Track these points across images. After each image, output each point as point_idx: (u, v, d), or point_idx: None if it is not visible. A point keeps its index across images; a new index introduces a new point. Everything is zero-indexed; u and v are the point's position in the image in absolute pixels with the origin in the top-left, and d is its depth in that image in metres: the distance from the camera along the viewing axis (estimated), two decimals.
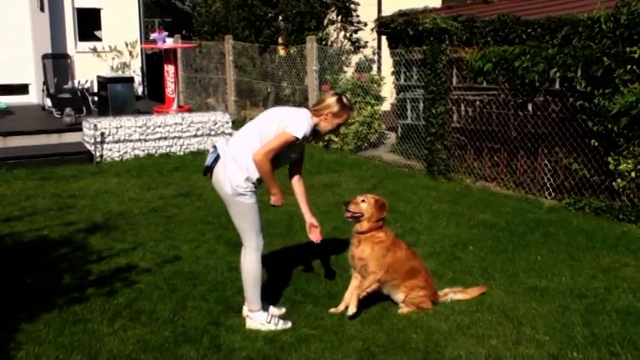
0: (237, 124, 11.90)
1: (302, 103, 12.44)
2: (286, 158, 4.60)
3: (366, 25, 13.37)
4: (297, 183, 4.80)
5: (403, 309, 4.82)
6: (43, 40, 14.66)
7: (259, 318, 4.55)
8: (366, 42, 13.55)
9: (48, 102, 13.31)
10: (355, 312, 4.65)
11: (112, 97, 12.61)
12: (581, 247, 6.23)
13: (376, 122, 11.21)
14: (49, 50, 14.44)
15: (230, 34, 14.81)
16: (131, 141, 10.51)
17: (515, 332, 4.48)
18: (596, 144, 7.37)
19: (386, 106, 11.58)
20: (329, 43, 13.53)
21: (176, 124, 10.89)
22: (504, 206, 7.68)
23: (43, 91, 13.70)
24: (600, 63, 7.11)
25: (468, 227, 6.88)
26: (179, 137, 10.92)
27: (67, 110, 11.80)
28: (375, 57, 12.27)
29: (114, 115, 11.34)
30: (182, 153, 10.92)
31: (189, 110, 13.70)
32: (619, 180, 7.16)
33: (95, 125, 10.23)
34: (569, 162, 7.70)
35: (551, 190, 8.00)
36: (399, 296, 4.86)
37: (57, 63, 14.05)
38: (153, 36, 13.77)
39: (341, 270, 5.55)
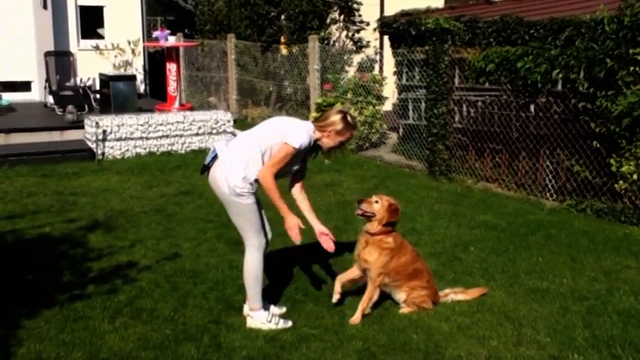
0: (239, 122, 11.93)
1: (304, 102, 12.45)
2: (286, 170, 4.55)
3: (368, 24, 13.39)
4: (298, 192, 4.72)
5: (404, 309, 4.83)
6: (46, 38, 14.68)
7: (260, 317, 4.55)
8: (369, 41, 13.55)
9: (50, 99, 13.33)
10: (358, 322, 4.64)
11: (114, 95, 12.63)
12: (583, 249, 6.23)
13: (378, 122, 11.21)
14: (51, 48, 14.46)
15: (232, 32, 14.81)
16: (133, 139, 10.51)
17: (516, 333, 4.48)
18: (598, 146, 7.36)
19: (387, 106, 11.58)
20: (331, 42, 13.53)
21: (178, 122, 10.89)
22: (505, 207, 7.68)
23: (45, 88, 13.71)
24: (603, 64, 7.11)
25: (469, 228, 6.88)
26: (181, 135, 10.92)
27: (69, 108, 11.81)
28: (377, 57, 12.26)
29: (116, 113, 11.36)
30: (183, 151, 10.92)
31: (191, 109, 13.72)
32: (621, 182, 7.15)
33: (97, 123, 10.24)
34: (571, 163, 7.69)
35: (552, 191, 7.99)
36: (400, 296, 4.87)
37: (59, 60, 14.08)
38: (155, 34, 13.81)
39: (342, 269, 5.54)
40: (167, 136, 10.81)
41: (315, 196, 7.60)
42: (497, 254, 6.07)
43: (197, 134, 11.06)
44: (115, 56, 16.37)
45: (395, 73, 10.96)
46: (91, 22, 16.34)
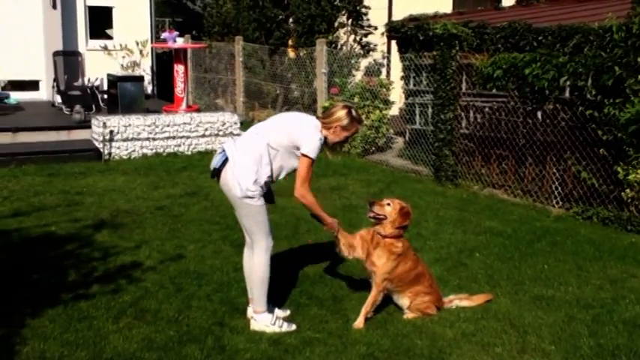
0: (246, 124, 11.91)
1: (310, 105, 12.45)
2: (290, 168, 4.57)
3: (376, 29, 13.40)
4: None
5: (408, 314, 4.82)
6: (55, 38, 14.74)
7: (264, 320, 4.55)
8: (376, 46, 13.55)
9: (58, 99, 13.37)
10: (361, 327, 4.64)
11: (122, 96, 12.66)
12: (589, 257, 6.20)
13: (384, 126, 11.20)
14: (60, 47, 14.51)
15: (240, 35, 14.83)
16: (139, 139, 10.53)
17: (521, 341, 4.46)
18: (606, 153, 7.34)
19: (394, 111, 11.57)
20: (339, 46, 13.53)
21: (185, 123, 10.91)
22: (511, 214, 7.66)
23: (53, 87, 13.77)
24: (611, 72, 7.09)
25: (474, 234, 6.86)
26: (187, 137, 10.94)
27: (77, 107, 11.86)
28: (385, 61, 12.26)
29: (123, 114, 11.39)
30: (190, 153, 10.94)
31: (198, 110, 13.74)
32: (628, 190, 7.13)
33: (104, 123, 10.26)
34: (578, 171, 7.67)
35: (559, 198, 7.97)
36: (403, 302, 4.86)
37: (68, 60, 14.11)
38: (163, 35, 13.85)
39: (346, 273, 5.55)
40: (174, 138, 10.83)
41: (320, 199, 7.56)
42: (503, 261, 6.05)
43: (204, 136, 11.08)
44: (123, 57, 16.42)
45: (402, 77, 10.96)
46: (100, 22, 16.41)
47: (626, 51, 7.06)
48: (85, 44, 15.80)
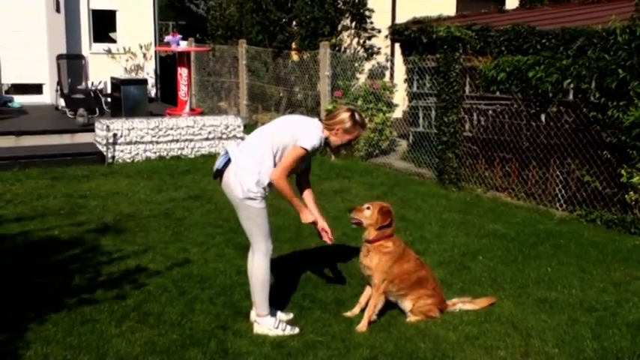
0: (249, 127, 11.93)
1: (314, 108, 12.45)
2: (295, 169, 4.58)
3: (379, 31, 13.39)
4: (307, 194, 4.80)
5: (411, 317, 4.81)
6: (58, 41, 14.78)
7: (267, 323, 4.55)
8: (379, 49, 13.55)
9: (61, 102, 13.40)
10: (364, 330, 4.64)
11: (125, 99, 12.70)
12: (592, 259, 6.19)
13: (387, 129, 11.20)
14: (63, 51, 14.56)
15: (244, 38, 14.85)
16: (143, 143, 10.55)
17: (524, 344, 4.45)
18: (609, 156, 7.33)
19: (398, 114, 11.57)
20: (342, 49, 13.54)
21: (188, 126, 10.92)
22: (515, 217, 7.65)
23: (56, 91, 13.80)
24: (615, 75, 7.07)
25: (477, 237, 6.85)
26: (191, 140, 10.95)
27: (80, 111, 11.87)
28: (388, 64, 12.26)
29: (126, 117, 11.41)
30: (193, 156, 10.94)
31: (202, 113, 13.76)
32: (631, 193, 7.11)
33: (108, 126, 10.28)
34: (582, 173, 7.65)
35: (562, 201, 7.95)
36: (406, 305, 4.85)
37: (71, 64, 14.17)
38: (167, 39, 13.86)
39: (349, 276, 5.54)
40: (177, 141, 10.84)
41: (324, 202, 7.60)
42: (506, 264, 6.04)
43: (207, 139, 11.09)
44: (127, 60, 16.46)
45: (405, 80, 10.95)
46: (104, 26, 16.44)
47: (630, 53, 7.04)
48: (88, 48, 15.84)
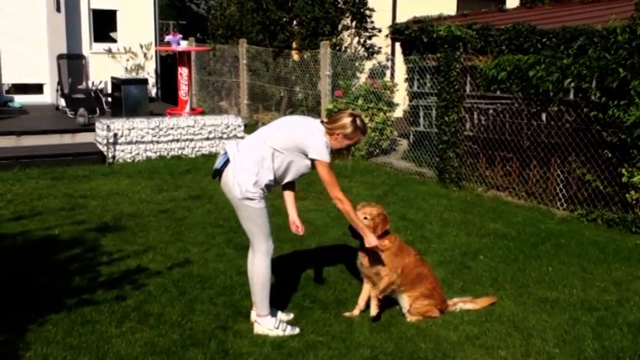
0: (250, 127, 11.93)
1: (314, 107, 12.44)
2: (295, 173, 4.57)
3: (380, 31, 13.38)
4: (288, 194, 4.81)
5: (410, 318, 4.80)
6: (59, 41, 14.77)
7: (267, 323, 4.54)
8: (380, 48, 13.54)
9: (62, 102, 13.39)
10: (378, 313, 4.65)
11: (126, 99, 12.69)
12: (593, 259, 6.18)
13: (388, 129, 11.19)
14: (64, 51, 14.55)
15: (244, 37, 14.84)
16: (143, 142, 10.54)
17: (525, 344, 4.45)
18: (610, 155, 7.32)
19: (398, 113, 11.56)
20: (343, 48, 13.53)
21: (188, 126, 10.91)
22: (516, 216, 7.64)
23: (57, 91, 13.79)
24: (616, 74, 7.07)
25: (478, 236, 6.84)
26: (191, 140, 10.95)
27: (81, 110, 11.87)
28: (389, 63, 12.24)
29: (127, 117, 11.40)
30: (194, 155, 10.94)
31: (202, 113, 13.75)
32: (632, 192, 7.10)
33: (108, 126, 10.27)
34: (582, 173, 7.65)
35: (563, 200, 7.95)
36: (404, 303, 4.84)
37: (72, 63, 14.16)
38: (167, 38, 13.84)
39: (350, 276, 5.54)
40: (178, 140, 10.84)
41: (323, 201, 7.60)
42: (507, 263, 6.03)
43: (208, 138, 11.08)
44: (127, 60, 16.45)
45: (406, 79, 10.94)
46: (104, 25, 16.43)
47: (631, 53, 7.03)
48: (89, 47, 15.81)
